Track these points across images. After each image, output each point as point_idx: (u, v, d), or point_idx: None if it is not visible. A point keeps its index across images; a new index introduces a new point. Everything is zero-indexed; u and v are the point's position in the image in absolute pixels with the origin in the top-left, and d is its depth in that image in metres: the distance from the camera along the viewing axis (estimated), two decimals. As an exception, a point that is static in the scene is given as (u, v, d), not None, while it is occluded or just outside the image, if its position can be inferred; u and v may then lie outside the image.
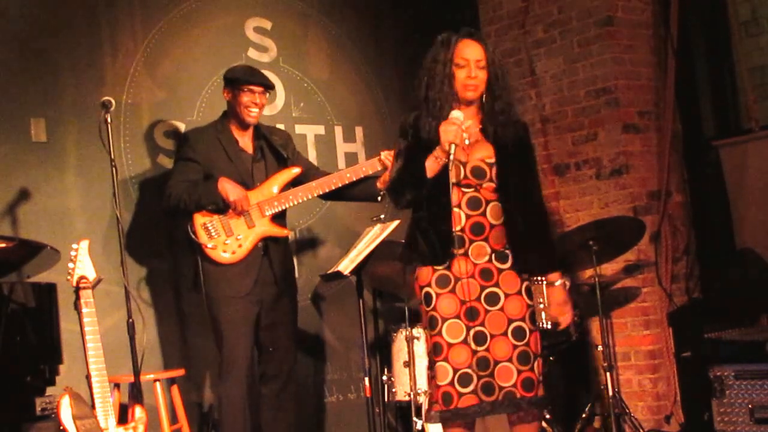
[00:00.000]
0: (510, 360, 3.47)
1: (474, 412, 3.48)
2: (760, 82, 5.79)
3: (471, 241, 3.52)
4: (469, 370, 3.46)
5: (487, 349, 3.47)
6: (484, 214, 3.52)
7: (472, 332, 3.48)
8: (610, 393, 4.95)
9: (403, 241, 3.68)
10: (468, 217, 3.51)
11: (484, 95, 3.57)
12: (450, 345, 3.47)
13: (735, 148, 5.73)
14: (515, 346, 3.48)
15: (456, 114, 3.47)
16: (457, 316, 3.49)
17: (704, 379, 4.82)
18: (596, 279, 4.99)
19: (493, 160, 3.53)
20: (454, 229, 3.49)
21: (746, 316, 5.29)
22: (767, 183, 5.54)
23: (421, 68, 3.60)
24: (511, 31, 6.23)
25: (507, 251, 3.55)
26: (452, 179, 3.46)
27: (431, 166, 3.47)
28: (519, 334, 3.49)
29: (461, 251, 3.50)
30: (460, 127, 3.43)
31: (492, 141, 3.56)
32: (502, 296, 3.52)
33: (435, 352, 3.50)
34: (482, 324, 3.49)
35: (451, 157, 3.42)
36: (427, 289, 3.53)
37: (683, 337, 5.35)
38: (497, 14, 6.32)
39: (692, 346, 5.11)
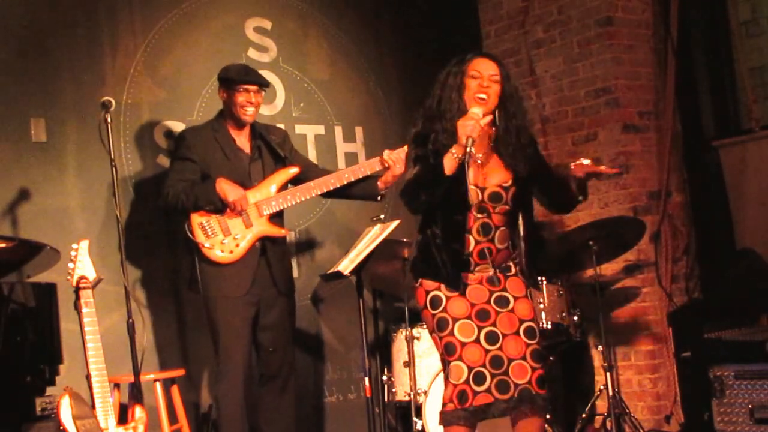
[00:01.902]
0: (524, 358, 3.49)
1: (489, 411, 3.47)
2: (760, 82, 5.79)
3: (476, 264, 3.56)
4: (483, 369, 3.47)
5: (499, 348, 3.49)
6: (492, 240, 3.55)
7: (483, 332, 3.50)
8: (610, 393, 4.95)
9: (415, 250, 3.67)
10: (477, 243, 3.54)
11: (498, 112, 3.55)
12: (463, 344, 3.48)
13: (735, 148, 5.72)
14: (528, 344, 3.51)
15: (475, 110, 3.45)
16: (468, 317, 3.51)
17: (704, 379, 4.81)
18: (596, 279, 4.99)
19: (509, 184, 3.55)
20: (466, 251, 3.52)
21: (746, 316, 5.28)
22: (767, 183, 5.54)
23: (435, 82, 3.60)
24: (511, 31, 6.23)
25: (509, 264, 3.61)
26: (471, 201, 3.47)
27: (449, 164, 3.43)
28: (531, 333, 3.53)
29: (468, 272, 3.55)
30: (478, 122, 3.41)
31: (507, 165, 3.56)
32: (512, 299, 3.56)
33: (448, 352, 3.49)
34: (493, 324, 3.51)
35: (469, 150, 3.37)
36: (435, 292, 3.54)
37: (683, 337, 5.34)
38: (497, 14, 6.32)
39: (692, 346, 5.09)
